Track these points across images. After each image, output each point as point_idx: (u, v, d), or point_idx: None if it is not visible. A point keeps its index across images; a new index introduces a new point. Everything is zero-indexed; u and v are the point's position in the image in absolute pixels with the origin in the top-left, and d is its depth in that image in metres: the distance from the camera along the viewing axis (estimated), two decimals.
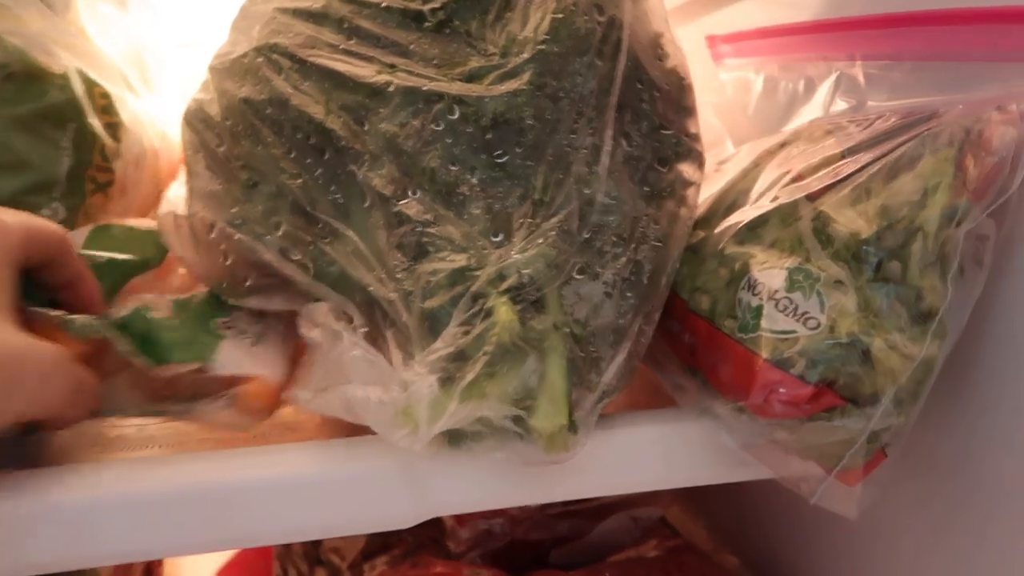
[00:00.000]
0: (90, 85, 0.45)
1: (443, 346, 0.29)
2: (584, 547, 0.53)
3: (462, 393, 0.28)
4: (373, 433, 0.33)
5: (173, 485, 0.29)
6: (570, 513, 0.53)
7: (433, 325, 0.31)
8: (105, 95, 0.45)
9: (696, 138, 0.40)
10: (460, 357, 0.29)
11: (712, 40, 0.52)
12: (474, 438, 0.30)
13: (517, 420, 0.29)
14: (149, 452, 0.36)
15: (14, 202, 0.43)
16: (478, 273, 0.31)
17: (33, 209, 0.43)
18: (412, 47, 0.37)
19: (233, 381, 0.36)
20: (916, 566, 0.40)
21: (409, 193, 0.35)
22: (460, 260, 0.32)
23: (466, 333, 0.29)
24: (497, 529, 0.51)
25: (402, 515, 0.31)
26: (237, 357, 0.37)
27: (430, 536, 0.53)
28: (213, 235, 0.39)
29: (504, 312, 0.29)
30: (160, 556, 0.31)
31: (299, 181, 0.37)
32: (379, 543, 0.54)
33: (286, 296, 0.38)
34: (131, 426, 0.39)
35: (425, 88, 0.35)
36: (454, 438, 0.30)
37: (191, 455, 0.32)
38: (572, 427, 0.29)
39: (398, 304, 0.33)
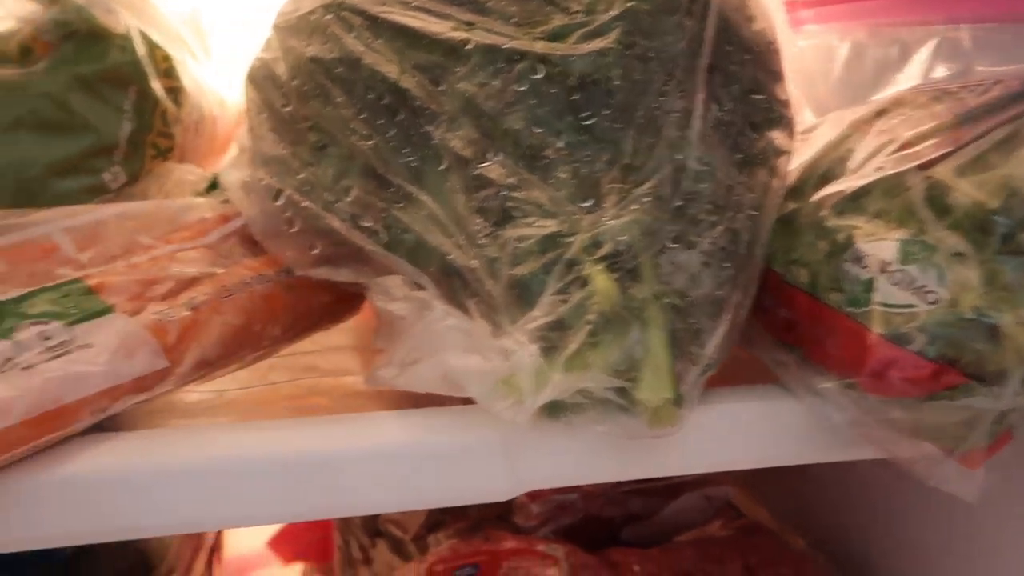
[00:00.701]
0: (152, 47, 0.43)
1: (542, 314, 0.28)
2: (655, 525, 0.51)
3: (565, 363, 0.27)
4: (454, 403, 0.31)
5: (264, 452, 0.28)
6: (642, 490, 0.51)
7: (523, 293, 0.29)
8: (167, 58, 0.44)
9: (786, 104, 0.38)
10: (559, 326, 0.28)
11: (791, 5, 0.50)
12: (574, 409, 0.28)
13: (620, 392, 0.27)
14: (232, 418, 0.35)
15: (74, 165, 0.42)
16: (571, 239, 0.29)
17: (93, 173, 0.42)
18: (489, 4, 0.35)
19: None
20: (999, 550, 0.39)
21: (490, 156, 0.33)
22: (550, 226, 0.30)
23: (564, 302, 0.28)
24: (570, 504, 0.49)
25: (499, 487, 0.29)
26: None
27: (494, 511, 0.52)
28: (280, 202, 0.38)
29: (602, 280, 0.28)
30: (248, 524, 0.30)
31: (371, 143, 0.35)
32: (441, 516, 0.53)
33: (354, 267, 0.37)
34: (211, 392, 0.37)
35: (506, 46, 0.34)
36: (553, 409, 0.28)
37: (282, 422, 0.31)
38: (677, 400, 0.27)
39: (481, 271, 0.31)
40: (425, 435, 0.29)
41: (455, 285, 0.32)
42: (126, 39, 0.42)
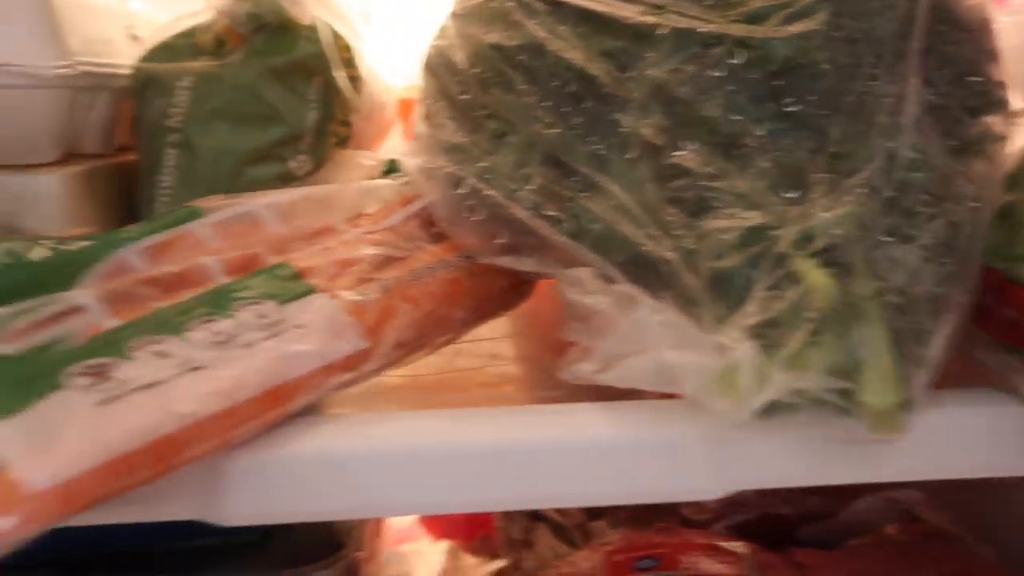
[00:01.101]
0: (336, 38, 0.45)
1: (756, 311, 0.27)
2: (832, 526, 0.49)
3: (786, 362, 0.26)
4: (639, 397, 0.31)
5: (477, 441, 0.29)
6: (822, 489, 0.49)
7: (725, 287, 0.28)
8: (347, 48, 0.46)
9: (1003, 87, 0.35)
10: (774, 324, 0.27)
11: None
12: (787, 409, 0.27)
13: (840, 393, 0.26)
14: (430, 403, 0.35)
15: (266, 153, 0.44)
16: (778, 233, 0.28)
17: (281, 161, 0.44)
18: None
19: None
20: None
21: (683, 144, 0.32)
22: (754, 218, 0.29)
23: (779, 298, 0.27)
24: (746, 500, 0.48)
25: (706, 487, 0.29)
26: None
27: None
28: (461, 190, 0.38)
29: (818, 277, 0.27)
30: (455, 511, 0.30)
31: (555, 131, 0.35)
32: None
33: (538, 257, 0.37)
34: (406, 376, 0.38)
35: (701, 30, 0.33)
36: (765, 408, 0.27)
37: (490, 411, 0.31)
38: (904, 404, 0.26)
39: (678, 264, 0.30)
40: (632, 429, 0.29)
41: (647, 277, 0.32)
42: (312, 30, 0.44)
